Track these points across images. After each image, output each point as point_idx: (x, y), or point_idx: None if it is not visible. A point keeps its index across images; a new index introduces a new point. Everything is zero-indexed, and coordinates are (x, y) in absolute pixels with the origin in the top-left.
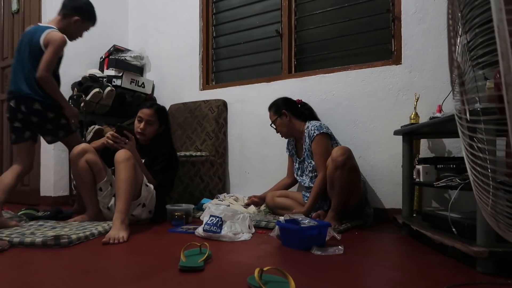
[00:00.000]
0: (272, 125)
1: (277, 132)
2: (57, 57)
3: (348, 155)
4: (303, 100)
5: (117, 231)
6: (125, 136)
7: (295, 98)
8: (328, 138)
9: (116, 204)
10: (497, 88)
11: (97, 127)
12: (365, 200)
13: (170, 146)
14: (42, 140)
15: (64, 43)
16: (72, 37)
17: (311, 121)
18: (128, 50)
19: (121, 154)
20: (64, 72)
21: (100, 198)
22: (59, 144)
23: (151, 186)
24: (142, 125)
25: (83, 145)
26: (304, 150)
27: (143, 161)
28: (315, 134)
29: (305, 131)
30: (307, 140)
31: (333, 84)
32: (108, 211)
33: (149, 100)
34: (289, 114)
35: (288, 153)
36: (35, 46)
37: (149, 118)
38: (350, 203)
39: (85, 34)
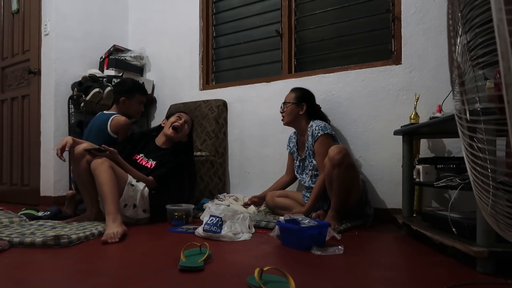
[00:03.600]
0: (283, 105)
1: (282, 114)
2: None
3: (344, 153)
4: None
5: (111, 230)
6: (100, 151)
7: None
8: (331, 139)
9: (105, 208)
10: (497, 88)
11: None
12: (365, 199)
13: (187, 158)
14: (42, 140)
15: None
16: (133, 116)
17: (315, 121)
18: (128, 50)
19: (94, 162)
20: (64, 72)
21: (100, 199)
22: None
23: (140, 185)
24: (182, 121)
25: (85, 145)
26: (306, 149)
27: (154, 163)
28: (319, 134)
29: (309, 129)
30: (310, 139)
31: (333, 84)
32: None
33: (149, 100)
34: (306, 111)
35: (288, 150)
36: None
37: (187, 120)
38: (349, 202)
39: (85, 34)
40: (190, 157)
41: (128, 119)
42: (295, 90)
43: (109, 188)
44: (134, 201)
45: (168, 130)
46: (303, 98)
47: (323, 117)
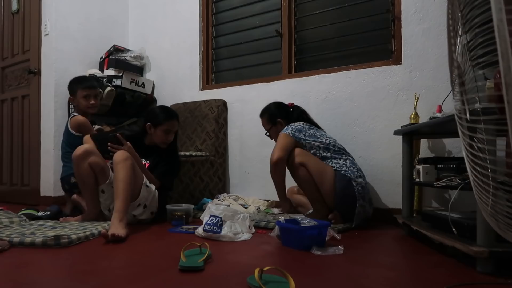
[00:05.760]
0: (267, 133)
1: (272, 139)
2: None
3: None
4: (295, 104)
5: (115, 229)
6: (120, 144)
7: (295, 98)
8: (288, 140)
9: (114, 204)
10: (497, 88)
11: (97, 127)
12: (351, 197)
13: (175, 150)
14: (42, 140)
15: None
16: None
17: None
18: (128, 50)
19: (119, 155)
20: (64, 72)
21: (102, 200)
22: (59, 144)
23: (152, 186)
24: (170, 136)
25: (86, 147)
26: None
27: (148, 162)
28: (280, 133)
29: None
30: None
31: (333, 84)
32: (109, 212)
33: (149, 100)
34: (284, 122)
35: None
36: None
37: (177, 129)
38: (324, 197)
39: (85, 34)
40: (176, 148)
41: (84, 117)
42: (262, 114)
43: (125, 186)
44: (146, 202)
45: (161, 144)
46: (273, 116)
47: (297, 117)
